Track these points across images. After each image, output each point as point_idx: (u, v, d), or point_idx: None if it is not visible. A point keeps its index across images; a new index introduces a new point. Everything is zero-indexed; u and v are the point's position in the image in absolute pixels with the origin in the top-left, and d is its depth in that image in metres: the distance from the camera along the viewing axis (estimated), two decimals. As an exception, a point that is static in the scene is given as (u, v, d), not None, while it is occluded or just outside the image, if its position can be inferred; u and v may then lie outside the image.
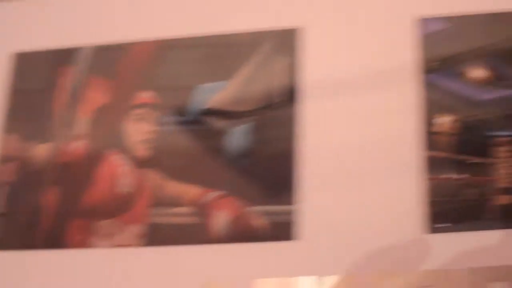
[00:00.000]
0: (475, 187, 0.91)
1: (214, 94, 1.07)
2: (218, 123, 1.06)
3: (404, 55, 0.99)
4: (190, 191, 1.00)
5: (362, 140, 0.98)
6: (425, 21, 0.99)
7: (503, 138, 0.91)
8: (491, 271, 0.82)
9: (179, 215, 0.99)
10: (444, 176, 0.92)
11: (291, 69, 1.05)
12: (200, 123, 1.05)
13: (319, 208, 0.95)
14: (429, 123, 0.94)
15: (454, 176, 0.92)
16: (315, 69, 1.05)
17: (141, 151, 1.05)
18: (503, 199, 0.88)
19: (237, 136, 1.03)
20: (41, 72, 1.18)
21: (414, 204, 0.90)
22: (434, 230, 0.89)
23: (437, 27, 0.98)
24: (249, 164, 1.02)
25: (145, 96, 1.09)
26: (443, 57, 0.96)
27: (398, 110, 0.97)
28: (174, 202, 1.00)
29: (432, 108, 0.95)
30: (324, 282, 0.89)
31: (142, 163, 1.03)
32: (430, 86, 0.96)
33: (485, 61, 0.94)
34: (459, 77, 0.95)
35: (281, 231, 0.95)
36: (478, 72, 0.94)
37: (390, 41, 1.02)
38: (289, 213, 0.96)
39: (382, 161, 0.95)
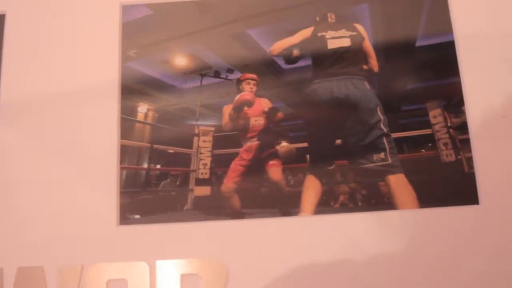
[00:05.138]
0: (172, 177, 0.85)
1: None
2: None
3: (105, 43, 0.93)
4: None
5: (58, 126, 0.90)
6: (127, 8, 0.92)
7: (202, 128, 0.87)
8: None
9: None
10: (138, 166, 0.85)
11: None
12: None
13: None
14: (127, 111, 0.86)
15: (150, 166, 0.85)
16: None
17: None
18: (200, 191, 0.84)
19: None
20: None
21: (109, 195, 0.85)
22: (125, 222, 0.84)
23: (139, 14, 0.92)
24: None
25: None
26: (143, 45, 0.90)
27: (97, 97, 0.88)
28: None
29: (132, 96, 0.87)
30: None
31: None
32: (129, 74, 0.88)
33: (188, 49, 0.91)
34: (161, 65, 0.89)
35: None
36: (180, 60, 0.90)
37: (92, 27, 0.94)
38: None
39: (78, 151, 0.88)
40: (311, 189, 0.86)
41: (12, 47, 0.94)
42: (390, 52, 0.92)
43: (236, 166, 0.87)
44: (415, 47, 0.92)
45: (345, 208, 0.85)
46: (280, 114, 0.90)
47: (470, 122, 0.88)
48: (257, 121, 0.91)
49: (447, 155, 0.88)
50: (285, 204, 0.85)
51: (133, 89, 0.89)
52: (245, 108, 0.91)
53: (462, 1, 0.93)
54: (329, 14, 0.94)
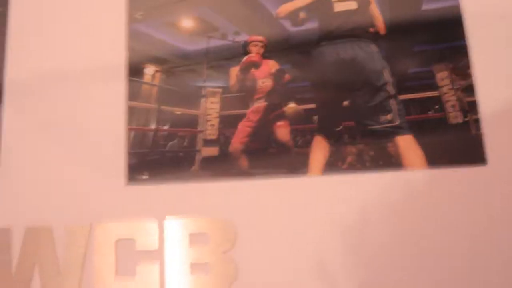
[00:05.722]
0: (179, 138, 0.85)
1: None
2: None
3: (112, 6, 0.92)
4: None
5: (66, 89, 0.90)
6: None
7: (210, 89, 0.87)
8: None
9: None
10: (145, 127, 0.85)
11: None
12: None
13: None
14: (134, 73, 0.85)
15: (157, 127, 0.85)
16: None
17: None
18: (208, 151, 0.84)
19: None
20: None
21: (117, 155, 0.86)
22: (133, 182, 0.84)
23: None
24: None
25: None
26: (150, 7, 0.90)
27: (104, 60, 0.87)
28: None
29: (139, 58, 0.87)
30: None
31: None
32: (136, 36, 0.88)
33: (195, 12, 0.90)
34: (168, 27, 0.89)
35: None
36: (187, 23, 0.90)
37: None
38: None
39: (86, 112, 0.89)
40: (319, 149, 0.86)
41: (18, 15, 0.93)
42: (396, 15, 0.91)
43: (244, 127, 0.87)
44: (421, 10, 0.92)
45: (352, 168, 0.85)
46: (287, 76, 0.90)
47: (477, 84, 0.88)
48: (264, 83, 0.90)
49: (454, 117, 0.88)
50: (293, 164, 0.85)
51: (140, 51, 0.89)
52: (252, 69, 0.91)
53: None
54: (335, -23, 0.94)
